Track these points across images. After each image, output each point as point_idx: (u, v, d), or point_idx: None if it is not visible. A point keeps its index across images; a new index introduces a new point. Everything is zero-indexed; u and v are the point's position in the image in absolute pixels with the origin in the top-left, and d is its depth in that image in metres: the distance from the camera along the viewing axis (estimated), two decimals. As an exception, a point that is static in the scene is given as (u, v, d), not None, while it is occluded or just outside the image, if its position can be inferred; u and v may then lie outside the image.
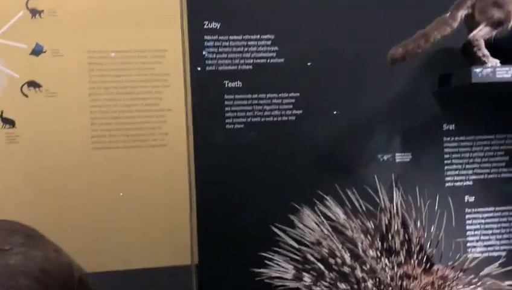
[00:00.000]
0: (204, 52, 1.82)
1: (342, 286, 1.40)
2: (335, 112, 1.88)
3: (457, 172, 1.94)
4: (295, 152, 1.87)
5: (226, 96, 1.83)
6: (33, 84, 1.87)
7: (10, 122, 1.87)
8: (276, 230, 1.58)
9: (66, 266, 1.52)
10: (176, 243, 1.87)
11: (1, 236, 1.50)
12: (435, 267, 1.41)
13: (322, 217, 1.54)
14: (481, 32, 1.65)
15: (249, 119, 1.85)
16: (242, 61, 1.84)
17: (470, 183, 1.94)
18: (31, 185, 1.88)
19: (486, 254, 1.92)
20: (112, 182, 1.92)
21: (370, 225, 1.49)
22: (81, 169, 1.90)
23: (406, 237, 1.42)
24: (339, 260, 1.42)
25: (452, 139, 1.94)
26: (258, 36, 1.85)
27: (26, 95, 1.87)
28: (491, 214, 1.94)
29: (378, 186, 1.53)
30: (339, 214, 1.55)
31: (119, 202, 1.93)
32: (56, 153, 1.89)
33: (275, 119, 1.86)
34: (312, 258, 1.48)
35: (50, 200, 1.89)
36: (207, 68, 1.82)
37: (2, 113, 1.86)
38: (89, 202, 1.90)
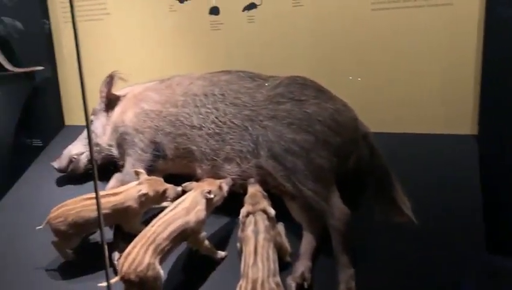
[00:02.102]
0: None
1: None
2: None
3: None
4: None
5: None
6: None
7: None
8: None
9: (353, 120, 1.64)
10: (456, 111, 1.77)
11: (297, 89, 1.70)
12: None
13: None
14: None
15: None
16: None
17: None
18: (314, 44, 2.01)
19: None
20: (391, 43, 1.88)
21: None
22: (360, 30, 1.91)
23: None
24: None
25: None
26: None
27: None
28: None
29: None
30: None
31: (398, 63, 1.89)
32: (337, 14, 1.94)
33: None
34: None
35: (331, 59, 1.99)
36: None
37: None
38: (366, 63, 1.93)
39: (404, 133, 1.89)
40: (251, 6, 2.03)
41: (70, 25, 2.48)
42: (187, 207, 1.51)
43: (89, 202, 1.62)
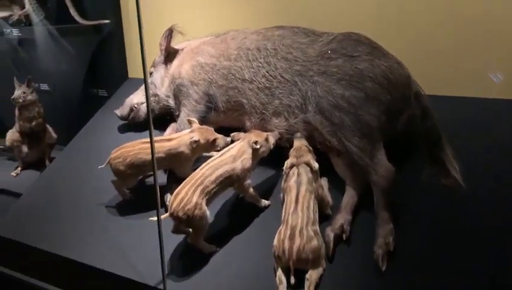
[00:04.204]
0: None
1: None
2: None
3: None
4: None
5: None
6: None
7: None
8: None
9: (406, 78, 1.60)
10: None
11: (349, 45, 1.67)
12: None
13: None
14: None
15: None
16: None
17: None
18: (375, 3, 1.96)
19: None
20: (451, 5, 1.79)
21: None
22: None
23: None
24: None
25: None
26: None
27: None
28: None
29: None
30: None
31: (457, 27, 1.80)
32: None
33: None
34: None
35: (391, 18, 1.94)
36: None
37: None
38: (426, 25, 1.85)
39: (459, 97, 1.81)
40: (310, -39, 2.00)
41: (135, -20, 2.60)
42: (234, 155, 1.58)
43: (145, 145, 1.74)
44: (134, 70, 2.69)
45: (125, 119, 2.23)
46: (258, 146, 1.60)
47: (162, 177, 1.87)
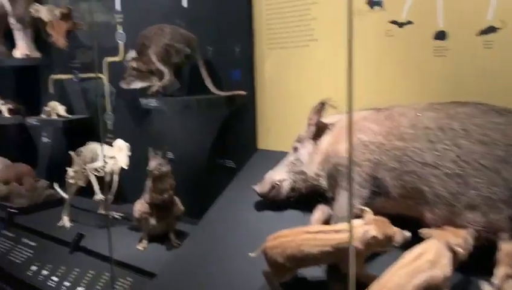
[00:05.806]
0: None
1: None
2: None
3: None
4: None
5: None
6: None
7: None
8: None
9: None
10: None
11: None
12: None
13: None
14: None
15: None
16: None
17: None
18: None
19: None
20: None
21: None
22: None
23: None
24: None
25: None
26: None
27: None
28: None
29: None
30: None
31: None
32: None
33: None
34: None
35: None
36: None
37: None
38: None
39: None
40: (489, 30, 1.77)
41: (274, 51, 2.54)
42: (432, 260, 1.29)
43: (310, 235, 1.52)
44: (263, 141, 2.56)
45: (265, 196, 2.05)
46: (461, 250, 1.31)
47: (313, 271, 1.64)
